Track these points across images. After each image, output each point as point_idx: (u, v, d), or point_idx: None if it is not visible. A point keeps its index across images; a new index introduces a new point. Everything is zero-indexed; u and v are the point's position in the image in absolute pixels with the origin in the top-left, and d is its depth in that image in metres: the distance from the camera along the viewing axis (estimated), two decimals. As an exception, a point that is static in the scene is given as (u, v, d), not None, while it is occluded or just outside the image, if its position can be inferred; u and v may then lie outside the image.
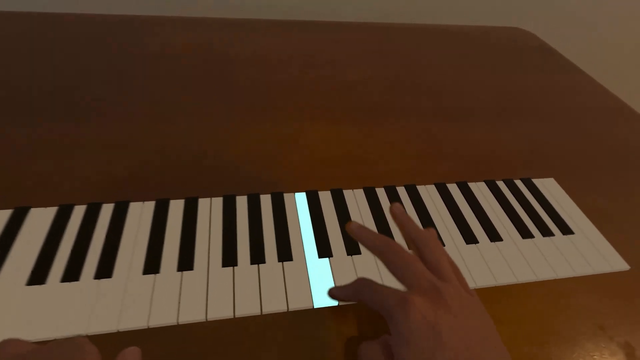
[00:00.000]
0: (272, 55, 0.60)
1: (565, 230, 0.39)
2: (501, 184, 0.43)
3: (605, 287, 0.35)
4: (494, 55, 0.71)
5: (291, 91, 0.53)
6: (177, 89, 0.50)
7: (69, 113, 0.44)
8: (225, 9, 0.79)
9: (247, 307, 0.30)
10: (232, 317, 0.29)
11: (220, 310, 0.29)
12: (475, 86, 0.60)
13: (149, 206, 0.36)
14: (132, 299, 0.29)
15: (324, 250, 0.34)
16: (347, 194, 0.40)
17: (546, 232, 0.39)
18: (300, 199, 0.38)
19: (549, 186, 0.44)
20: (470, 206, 0.40)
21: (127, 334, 0.28)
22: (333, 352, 0.28)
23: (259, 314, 0.29)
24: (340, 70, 0.59)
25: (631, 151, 0.51)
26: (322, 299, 0.31)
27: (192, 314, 0.29)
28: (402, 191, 0.41)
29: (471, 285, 0.33)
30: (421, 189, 0.41)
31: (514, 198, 0.42)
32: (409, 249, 0.34)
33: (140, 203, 0.36)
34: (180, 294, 0.30)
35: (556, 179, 0.45)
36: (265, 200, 0.38)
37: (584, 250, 0.37)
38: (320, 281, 0.32)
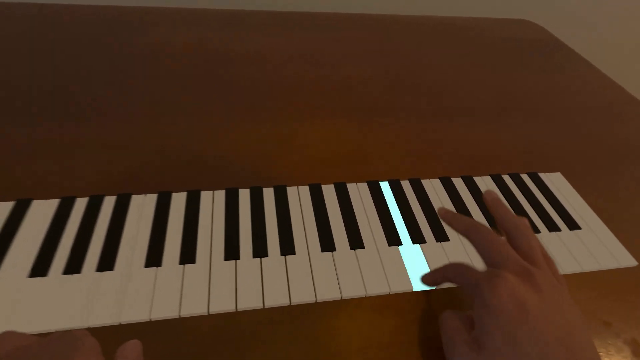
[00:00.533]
0: (273, 54, 0.60)
1: (572, 225, 0.39)
2: (507, 178, 0.43)
3: (611, 284, 0.35)
4: (498, 50, 0.70)
5: (291, 90, 0.52)
6: (177, 88, 0.50)
7: (69, 113, 0.44)
8: (224, 1, 0.78)
9: (249, 301, 0.29)
10: (235, 310, 0.29)
11: (223, 304, 0.29)
12: (475, 85, 0.59)
13: (151, 199, 0.36)
14: (134, 292, 0.29)
15: (327, 244, 0.34)
16: (351, 187, 0.39)
17: (553, 227, 0.38)
18: (304, 192, 0.38)
19: (555, 181, 0.43)
20: (475, 200, 0.40)
21: (128, 326, 0.27)
22: (334, 348, 0.28)
23: (261, 307, 0.29)
24: (341, 69, 0.58)
25: (632, 150, 0.50)
26: (323, 293, 0.30)
27: (194, 307, 0.29)
28: (406, 184, 0.40)
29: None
30: (426, 182, 0.41)
31: (520, 192, 0.41)
32: (501, 235, 0.34)
33: (142, 196, 0.36)
34: (182, 287, 0.30)
35: (563, 174, 0.45)
36: (268, 193, 0.37)
37: (591, 246, 0.37)
38: (323, 275, 0.32)
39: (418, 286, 0.32)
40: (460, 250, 0.35)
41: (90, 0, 0.73)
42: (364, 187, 0.39)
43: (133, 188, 0.37)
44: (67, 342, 0.18)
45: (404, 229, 0.36)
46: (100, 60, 0.53)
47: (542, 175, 0.44)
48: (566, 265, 0.35)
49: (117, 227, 0.33)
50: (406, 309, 0.31)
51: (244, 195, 0.37)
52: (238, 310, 0.29)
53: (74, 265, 0.30)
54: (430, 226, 0.37)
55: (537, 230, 0.38)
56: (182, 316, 0.28)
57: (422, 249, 0.35)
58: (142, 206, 0.35)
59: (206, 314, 0.29)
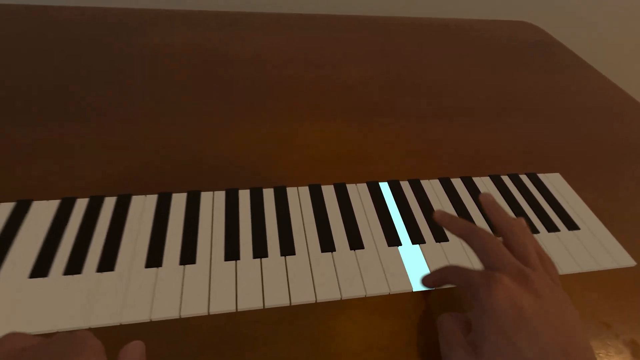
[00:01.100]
0: (273, 54, 0.60)
1: (571, 225, 0.39)
2: (506, 179, 0.43)
3: (610, 284, 0.35)
4: (498, 51, 0.70)
5: (291, 90, 0.52)
6: (177, 88, 0.50)
7: (69, 113, 0.44)
8: (224, 2, 0.78)
9: (250, 301, 0.29)
10: (235, 310, 0.29)
11: (223, 304, 0.29)
12: (475, 85, 0.59)
13: (151, 199, 0.36)
14: (135, 293, 0.29)
15: (327, 244, 0.34)
16: (351, 188, 0.39)
17: (552, 227, 0.38)
18: (304, 193, 0.38)
19: (554, 181, 0.44)
20: (474, 201, 0.40)
21: (129, 327, 0.27)
22: (335, 348, 0.28)
23: (261, 307, 0.29)
24: (341, 70, 0.58)
25: (632, 150, 0.50)
26: (323, 294, 0.31)
27: (194, 308, 0.29)
28: (405, 185, 0.40)
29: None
30: (425, 183, 0.41)
31: (519, 193, 0.42)
32: (498, 237, 0.34)
33: (142, 196, 0.36)
34: (182, 288, 0.30)
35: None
36: (268, 194, 0.37)
37: (589, 246, 0.37)
38: (323, 275, 0.32)
39: (417, 286, 0.32)
40: (459, 250, 0.35)
41: (90, 2, 0.73)
42: (363, 187, 0.40)
43: (133, 188, 0.37)
44: (71, 343, 0.18)
45: (404, 230, 0.36)
46: (100, 61, 0.53)
47: (541, 176, 0.44)
48: (565, 265, 0.35)
49: (117, 228, 0.33)
50: (407, 310, 0.31)
51: (244, 196, 0.37)
52: (238, 310, 0.29)
53: (74, 266, 0.30)
54: (429, 227, 0.37)
55: (536, 231, 0.38)
56: (182, 316, 0.28)
57: (421, 250, 0.35)
58: (143, 207, 0.35)
59: (206, 314, 0.29)
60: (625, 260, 0.36)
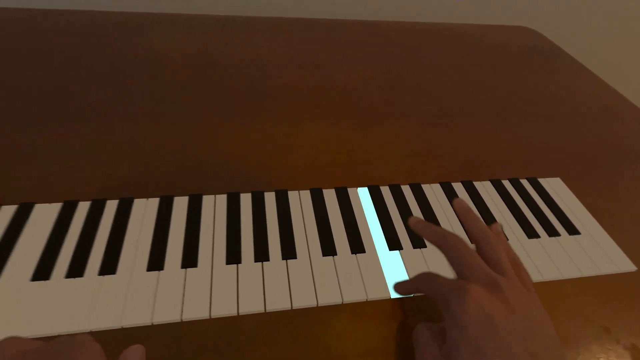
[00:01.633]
0: (273, 55, 0.60)
1: (572, 230, 0.39)
2: (507, 183, 0.43)
3: (611, 289, 0.35)
4: (497, 54, 0.70)
5: (291, 92, 0.53)
6: (176, 89, 0.50)
7: (69, 113, 0.44)
8: (224, 6, 0.78)
9: (251, 305, 0.29)
10: (236, 314, 0.29)
11: (224, 308, 0.29)
12: (475, 87, 0.59)
13: (153, 203, 0.36)
14: (136, 296, 0.29)
15: (328, 248, 0.34)
16: (351, 191, 0.39)
17: (552, 232, 0.38)
18: (305, 196, 0.38)
19: (555, 186, 0.44)
20: (475, 205, 0.40)
21: (130, 330, 0.28)
22: (335, 348, 0.28)
23: (263, 311, 0.29)
24: (340, 71, 0.58)
25: (632, 150, 0.51)
26: (324, 297, 0.31)
27: (195, 312, 0.29)
28: (406, 189, 0.40)
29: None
30: (426, 187, 0.41)
31: (519, 197, 0.42)
32: (472, 243, 0.34)
33: (144, 200, 0.36)
34: (184, 291, 0.30)
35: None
36: (270, 198, 0.38)
37: (590, 251, 0.37)
38: (324, 279, 0.32)
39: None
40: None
41: (91, 6, 0.73)
42: (364, 191, 0.40)
43: (133, 188, 0.37)
44: (71, 346, 0.19)
45: (405, 234, 0.36)
46: (100, 61, 0.54)
47: (541, 181, 0.44)
48: (565, 270, 0.35)
49: (119, 231, 0.33)
50: (408, 312, 0.31)
51: (246, 200, 0.37)
52: (240, 314, 0.29)
53: (76, 269, 0.30)
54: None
55: (536, 235, 0.38)
56: (183, 320, 0.28)
57: (422, 254, 0.35)
58: (144, 210, 0.35)
59: (208, 318, 0.29)
60: (625, 265, 0.36)
